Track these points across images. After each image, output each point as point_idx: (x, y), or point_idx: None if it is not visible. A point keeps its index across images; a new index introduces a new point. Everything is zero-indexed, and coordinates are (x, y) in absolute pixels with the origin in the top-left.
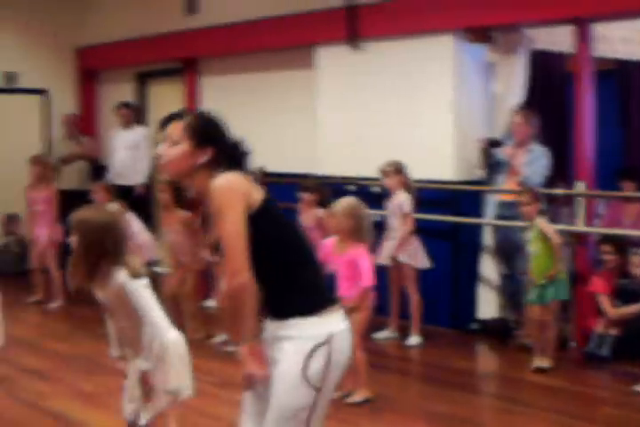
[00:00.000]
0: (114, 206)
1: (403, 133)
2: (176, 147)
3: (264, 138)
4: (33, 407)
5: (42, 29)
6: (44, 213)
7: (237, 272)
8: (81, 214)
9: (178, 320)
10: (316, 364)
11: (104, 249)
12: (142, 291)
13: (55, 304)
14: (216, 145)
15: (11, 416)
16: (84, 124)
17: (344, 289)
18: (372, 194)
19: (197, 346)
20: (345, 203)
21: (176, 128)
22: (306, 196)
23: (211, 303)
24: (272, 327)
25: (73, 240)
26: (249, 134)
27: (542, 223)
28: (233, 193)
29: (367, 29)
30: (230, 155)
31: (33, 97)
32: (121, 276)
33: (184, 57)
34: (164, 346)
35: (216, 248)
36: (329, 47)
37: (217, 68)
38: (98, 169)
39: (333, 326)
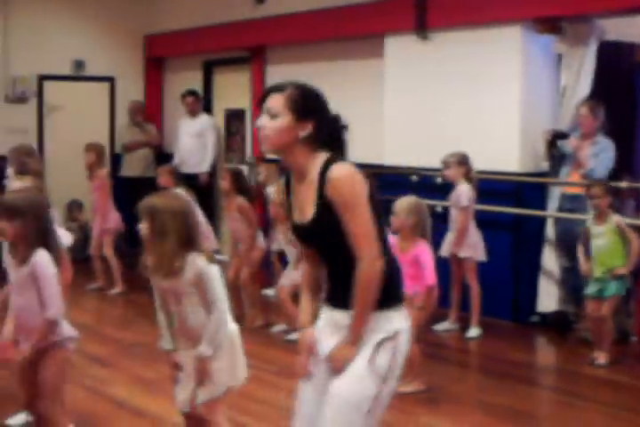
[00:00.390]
0: (179, 192)
1: (469, 124)
2: (276, 120)
3: None
4: (94, 393)
5: (110, 17)
6: (97, 201)
7: (376, 259)
8: (151, 201)
9: (237, 308)
10: (383, 356)
11: (178, 235)
12: (218, 277)
13: (115, 291)
14: (317, 119)
15: (72, 402)
16: (150, 111)
17: (409, 287)
18: (435, 185)
19: (256, 334)
20: (406, 201)
21: (276, 100)
22: None
23: (270, 292)
24: (339, 316)
25: (143, 227)
26: None
27: (621, 222)
28: (358, 184)
29: (436, 19)
30: (330, 130)
31: (100, 84)
32: (199, 261)
33: (251, 46)
34: (227, 336)
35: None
36: (397, 37)
37: (284, 56)
38: (162, 157)
39: (401, 322)
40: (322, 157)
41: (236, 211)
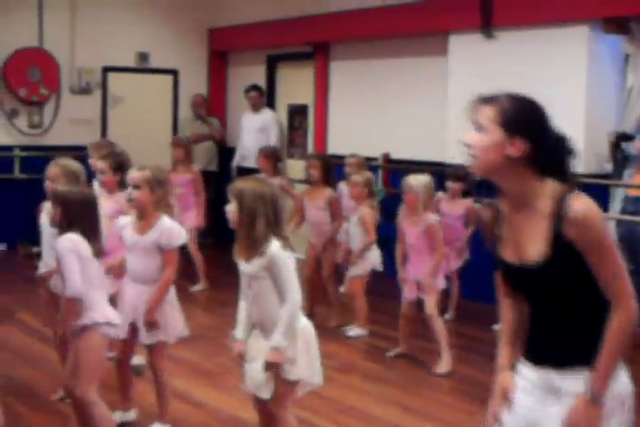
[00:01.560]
0: (276, 181)
1: None
2: (483, 135)
3: (391, 124)
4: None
5: (175, 10)
6: (185, 197)
7: (635, 305)
8: (240, 184)
9: (310, 306)
10: (617, 421)
11: (266, 219)
12: (291, 265)
13: (198, 288)
14: (533, 136)
15: (134, 392)
16: (213, 105)
17: None
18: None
19: (316, 329)
20: None
21: (484, 113)
22: (456, 185)
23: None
24: (558, 378)
25: (230, 210)
26: (376, 120)
27: None
28: (604, 221)
29: (501, 18)
30: (552, 152)
31: (164, 77)
32: (273, 246)
33: (315, 41)
34: (301, 331)
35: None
36: (462, 35)
37: (347, 52)
38: (225, 151)
39: (626, 377)
40: (551, 185)
41: (325, 202)
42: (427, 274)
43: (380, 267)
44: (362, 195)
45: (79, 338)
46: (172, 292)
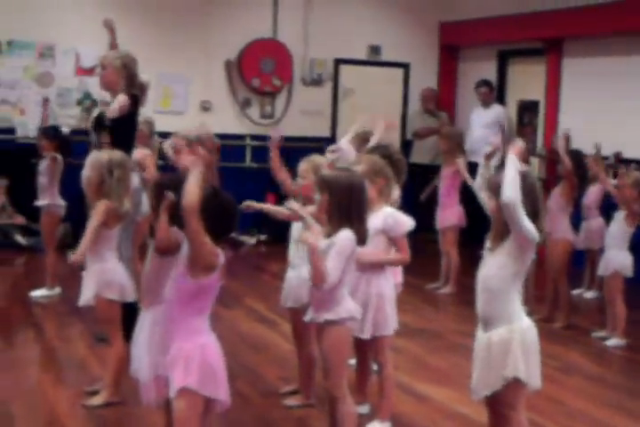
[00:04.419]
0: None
1: None
2: None
3: (624, 123)
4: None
5: (407, 3)
6: (448, 192)
7: None
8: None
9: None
10: None
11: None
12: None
13: (445, 290)
14: None
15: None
16: (443, 99)
17: None
18: None
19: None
20: None
21: None
22: None
23: (588, 294)
24: None
25: (486, 200)
26: (608, 119)
27: None
28: None
29: None
30: None
31: (395, 70)
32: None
33: (548, 37)
34: (522, 329)
35: None
36: None
37: (582, 49)
38: None
39: None
40: None
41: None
42: None
43: (628, 272)
44: (632, 196)
45: (325, 333)
46: (391, 285)
